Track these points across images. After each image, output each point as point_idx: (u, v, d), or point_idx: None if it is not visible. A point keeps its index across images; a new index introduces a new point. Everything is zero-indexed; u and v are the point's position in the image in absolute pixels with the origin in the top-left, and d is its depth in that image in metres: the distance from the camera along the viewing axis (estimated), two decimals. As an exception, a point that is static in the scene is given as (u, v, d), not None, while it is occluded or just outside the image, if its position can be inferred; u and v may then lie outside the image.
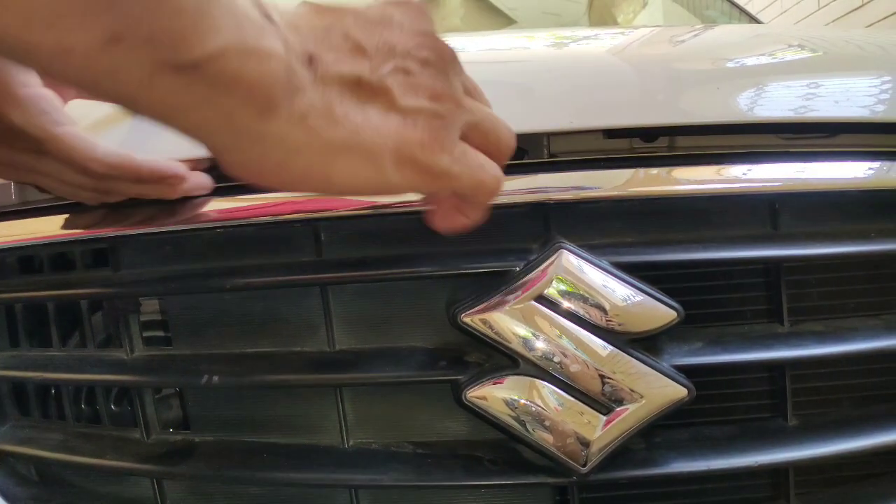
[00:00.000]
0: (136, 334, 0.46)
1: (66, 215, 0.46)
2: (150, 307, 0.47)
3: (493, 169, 0.35)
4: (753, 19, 1.68)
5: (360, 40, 0.32)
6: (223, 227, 0.43)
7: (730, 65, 0.55)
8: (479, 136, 0.35)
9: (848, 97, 0.49)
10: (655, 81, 0.50)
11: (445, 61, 0.33)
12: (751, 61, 0.57)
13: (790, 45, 0.62)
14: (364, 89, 0.31)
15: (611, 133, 0.45)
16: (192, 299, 0.46)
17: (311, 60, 0.30)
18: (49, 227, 0.45)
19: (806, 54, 0.60)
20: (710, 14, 1.69)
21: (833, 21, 3.44)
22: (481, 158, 0.35)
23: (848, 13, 3.28)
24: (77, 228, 0.45)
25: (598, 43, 0.69)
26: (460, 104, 0.33)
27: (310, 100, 0.30)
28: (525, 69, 0.55)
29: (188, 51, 0.26)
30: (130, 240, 0.45)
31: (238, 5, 0.27)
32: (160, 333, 0.47)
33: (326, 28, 0.31)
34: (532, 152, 0.45)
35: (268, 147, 0.30)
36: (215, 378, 0.43)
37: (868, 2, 2.84)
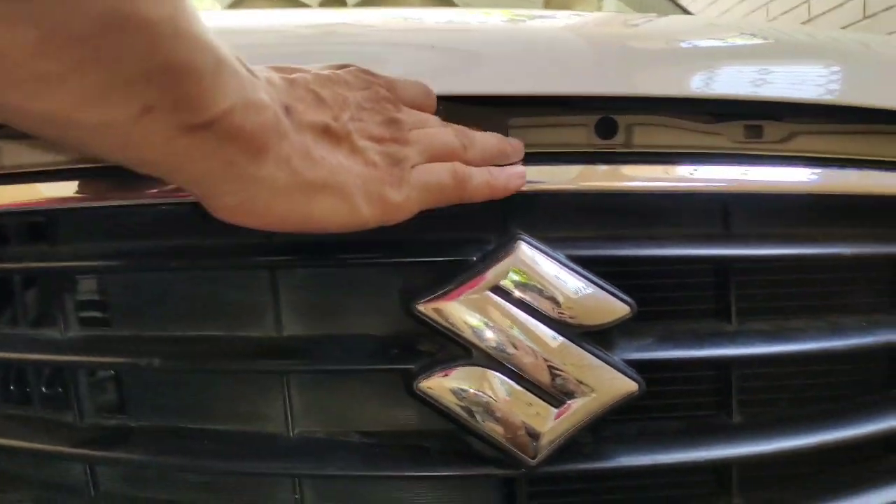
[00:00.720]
0: (71, 313, 0.44)
1: (2, 186, 0.43)
2: (88, 286, 0.45)
3: (445, 170, 0.39)
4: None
5: (320, 93, 0.36)
6: (169, 204, 0.41)
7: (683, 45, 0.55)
8: (434, 156, 0.40)
9: (801, 80, 0.50)
10: (610, 59, 0.49)
11: (387, 111, 0.38)
12: (703, 43, 0.57)
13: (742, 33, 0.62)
14: (331, 135, 0.35)
15: (564, 102, 0.45)
16: (133, 278, 0.44)
17: (287, 110, 0.34)
18: (-19, 197, 0.43)
19: (757, 41, 0.60)
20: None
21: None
22: (434, 171, 0.39)
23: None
24: (13, 200, 0.43)
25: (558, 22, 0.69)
26: (406, 142, 0.38)
27: (292, 144, 0.33)
28: (481, 58, 0.54)
29: (205, 112, 0.29)
30: (70, 213, 0.43)
31: (233, 64, 0.30)
32: (98, 314, 0.45)
33: (291, 83, 0.35)
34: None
35: (258, 189, 0.33)
36: (155, 361, 0.41)
37: (855, 23, 2.90)
